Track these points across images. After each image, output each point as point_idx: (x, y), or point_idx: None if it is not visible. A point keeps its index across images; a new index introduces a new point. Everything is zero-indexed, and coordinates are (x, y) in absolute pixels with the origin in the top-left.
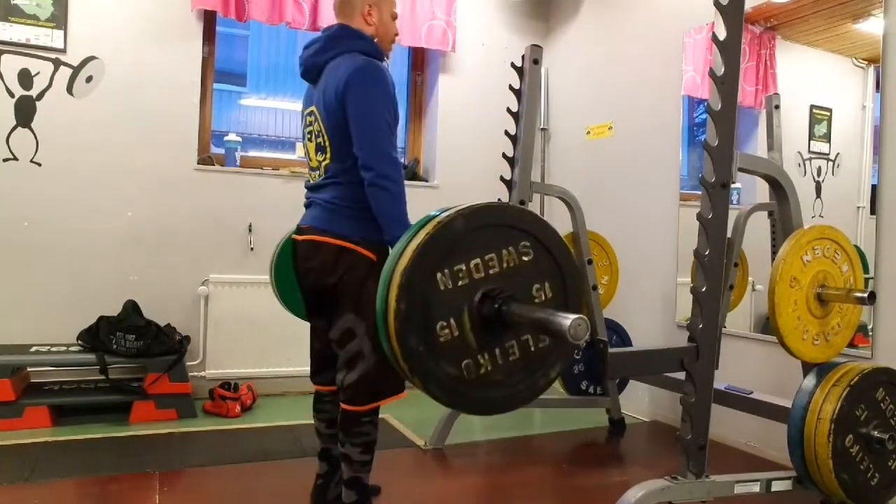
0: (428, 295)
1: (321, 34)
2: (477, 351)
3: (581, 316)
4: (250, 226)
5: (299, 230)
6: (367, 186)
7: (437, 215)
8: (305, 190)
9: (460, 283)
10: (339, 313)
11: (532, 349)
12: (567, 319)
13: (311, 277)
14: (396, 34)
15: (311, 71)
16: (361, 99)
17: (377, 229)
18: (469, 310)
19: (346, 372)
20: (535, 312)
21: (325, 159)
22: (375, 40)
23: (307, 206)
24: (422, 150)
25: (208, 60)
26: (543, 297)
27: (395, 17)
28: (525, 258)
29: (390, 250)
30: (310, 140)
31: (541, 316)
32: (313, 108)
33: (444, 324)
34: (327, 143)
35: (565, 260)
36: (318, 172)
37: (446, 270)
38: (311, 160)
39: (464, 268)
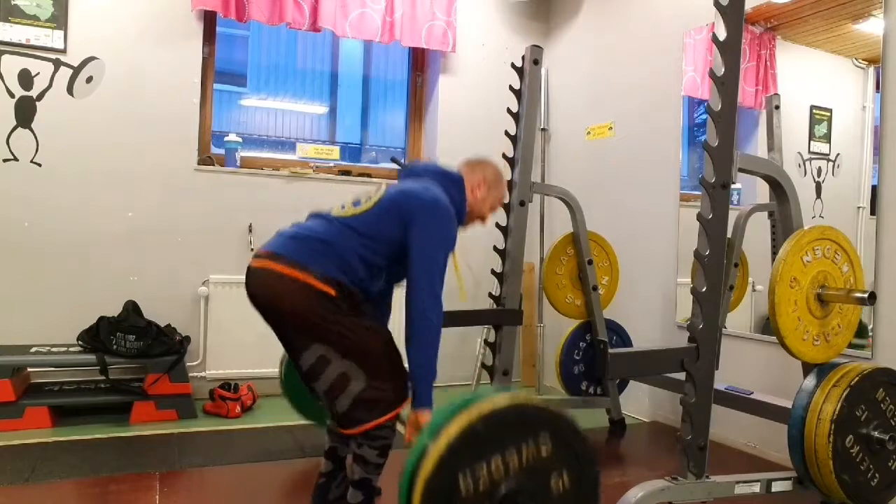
0: (451, 500)
1: (443, 167)
2: None
3: None
4: (250, 226)
5: (256, 254)
6: (411, 313)
7: (454, 410)
8: (308, 216)
9: (482, 487)
10: (304, 345)
11: None
12: None
13: (265, 309)
14: (482, 220)
15: (411, 170)
16: (435, 228)
17: (344, 273)
18: None
19: (333, 403)
20: None
21: (354, 211)
22: (466, 206)
23: (280, 232)
24: (422, 151)
25: (208, 61)
26: (562, 488)
27: (493, 209)
28: (544, 452)
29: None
30: (356, 197)
31: None
32: (385, 187)
33: None
34: (366, 209)
35: (582, 449)
36: (333, 210)
37: (468, 471)
38: (343, 205)
39: (485, 468)
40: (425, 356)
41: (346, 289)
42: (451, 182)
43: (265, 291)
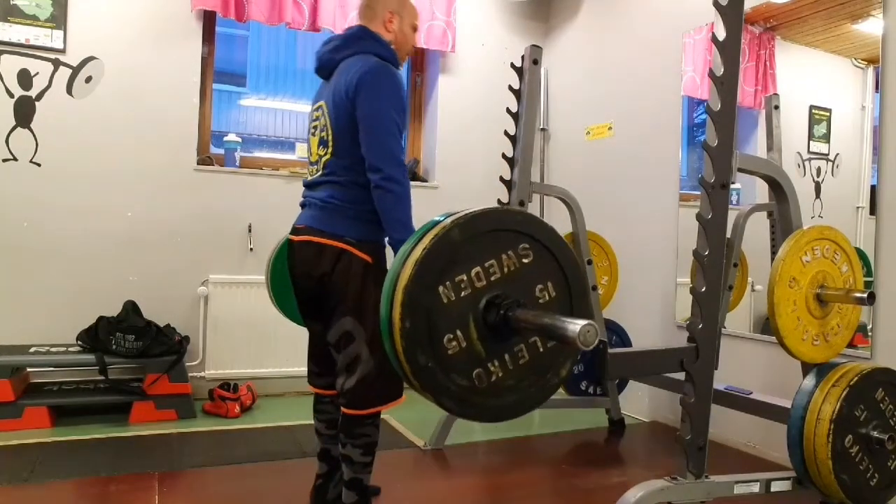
0: (432, 309)
1: (341, 32)
2: (486, 359)
3: (590, 322)
4: (250, 226)
5: (295, 230)
6: (373, 188)
7: (435, 223)
8: (304, 188)
9: (463, 293)
10: (337, 316)
11: (541, 350)
12: (576, 326)
13: (306, 279)
14: (414, 45)
15: (326, 67)
16: (372, 100)
17: (373, 230)
18: (474, 319)
19: (346, 376)
20: (541, 318)
21: (325, 154)
22: (393, 47)
23: (303, 205)
24: (421, 151)
25: (208, 61)
26: (547, 297)
27: (415, 28)
28: (525, 260)
29: (391, 251)
30: (313, 135)
31: (547, 322)
32: (322, 103)
33: (451, 336)
34: (330, 139)
35: (565, 257)
36: (316, 167)
37: (448, 283)
38: (311, 154)
39: (465, 278)
40: (404, 214)
41: (379, 251)
42: (362, 39)
43: (308, 265)
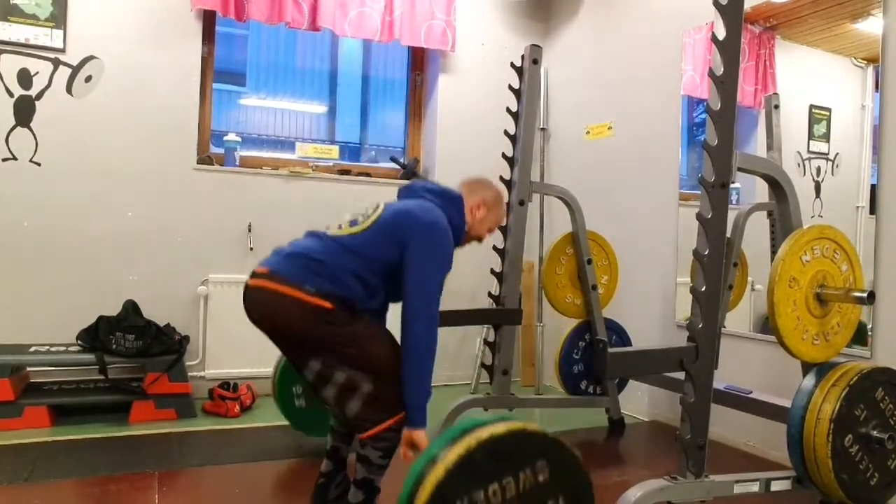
0: None
1: (442, 186)
2: None
3: None
4: (250, 226)
5: (253, 273)
6: (407, 330)
7: (451, 438)
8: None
9: None
10: (304, 359)
11: None
12: None
13: (261, 325)
14: (479, 240)
15: (408, 192)
16: (433, 250)
17: (350, 294)
18: None
19: (343, 409)
20: None
21: (350, 231)
22: (465, 227)
23: (281, 250)
24: (422, 150)
25: (208, 60)
26: None
27: (491, 231)
28: (541, 478)
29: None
30: (353, 214)
31: None
32: (382, 205)
33: None
34: (363, 231)
35: (578, 474)
36: (330, 229)
37: (465, 498)
38: (339, 222)
39: (482, 495)
40: (419, 378)
41: (343, 301)
42: (451, 202)
43: (263, 310)
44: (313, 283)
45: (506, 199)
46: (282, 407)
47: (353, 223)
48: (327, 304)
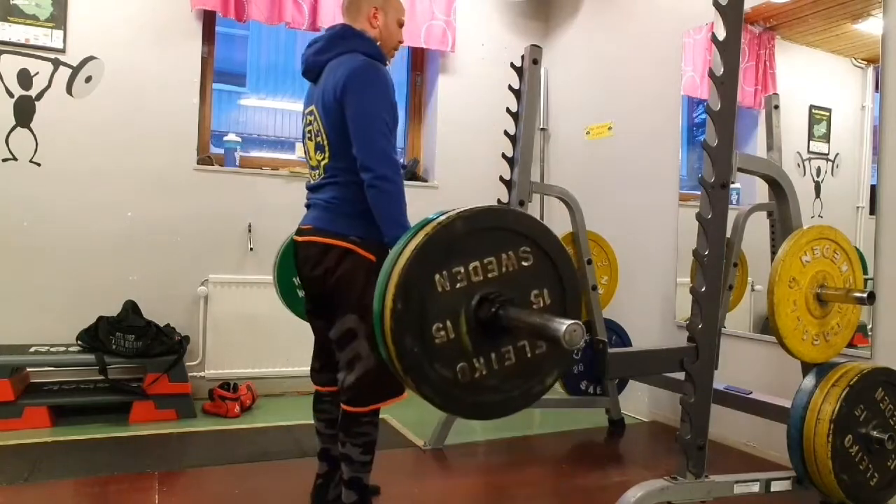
0: (425, 296)
1: (324, 33)
2: (472, 355)
3: (576, 322)
4: (250, 226)
5: (299, 231)
6: (367, 188)
7: (435, 218)
8: (306, 191)
9: (458, 285)
10: (340, 314)
11: (528, 355)
12: (562, 325)
13: (311, 278)
14: (400, 41)
15: (313, 69)
16: (360, 100)
17: (377, 229)
18: (466, 313)
19: (346, 373)
20: (531, 317)
21: (323, 158)
22: (378, 43)
23: (308, 206)
24: (421, 150)
25: (208, 60)
26: (542, 304)
27: (401, 24)
28: (525, 263)
29: (389, 251)
30: (309, 139)
31: (536, 320)
32: (313, 107)
33: (441, 326)
34: (326, 143)
35: (565, 267)
36: (317, 172)
37: (444, 272)
38: (310, 159)
39: (462, 270)
40: (398, 211)
41: (382, 250)
42: (345, 40)
43: (312, 264)
44: (355, 229)
45: (507, 177)
46: (283, 296)
47: (318, 150)
48: (371, 257)
